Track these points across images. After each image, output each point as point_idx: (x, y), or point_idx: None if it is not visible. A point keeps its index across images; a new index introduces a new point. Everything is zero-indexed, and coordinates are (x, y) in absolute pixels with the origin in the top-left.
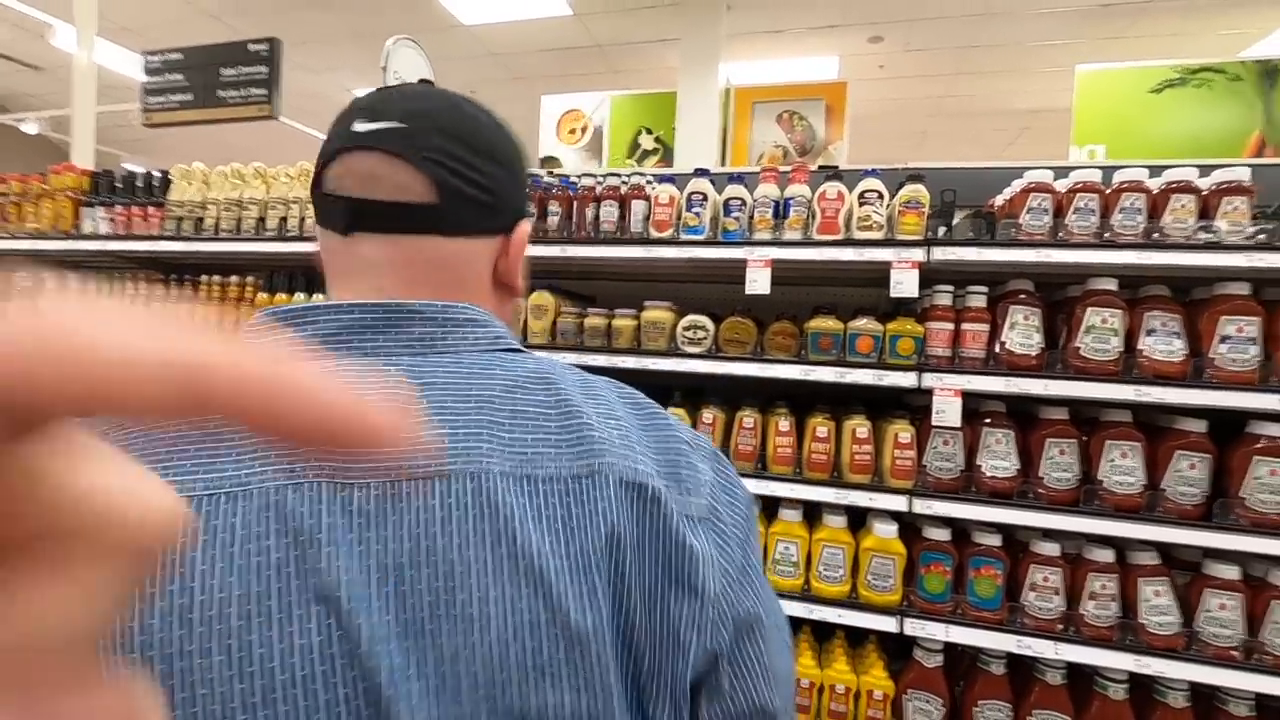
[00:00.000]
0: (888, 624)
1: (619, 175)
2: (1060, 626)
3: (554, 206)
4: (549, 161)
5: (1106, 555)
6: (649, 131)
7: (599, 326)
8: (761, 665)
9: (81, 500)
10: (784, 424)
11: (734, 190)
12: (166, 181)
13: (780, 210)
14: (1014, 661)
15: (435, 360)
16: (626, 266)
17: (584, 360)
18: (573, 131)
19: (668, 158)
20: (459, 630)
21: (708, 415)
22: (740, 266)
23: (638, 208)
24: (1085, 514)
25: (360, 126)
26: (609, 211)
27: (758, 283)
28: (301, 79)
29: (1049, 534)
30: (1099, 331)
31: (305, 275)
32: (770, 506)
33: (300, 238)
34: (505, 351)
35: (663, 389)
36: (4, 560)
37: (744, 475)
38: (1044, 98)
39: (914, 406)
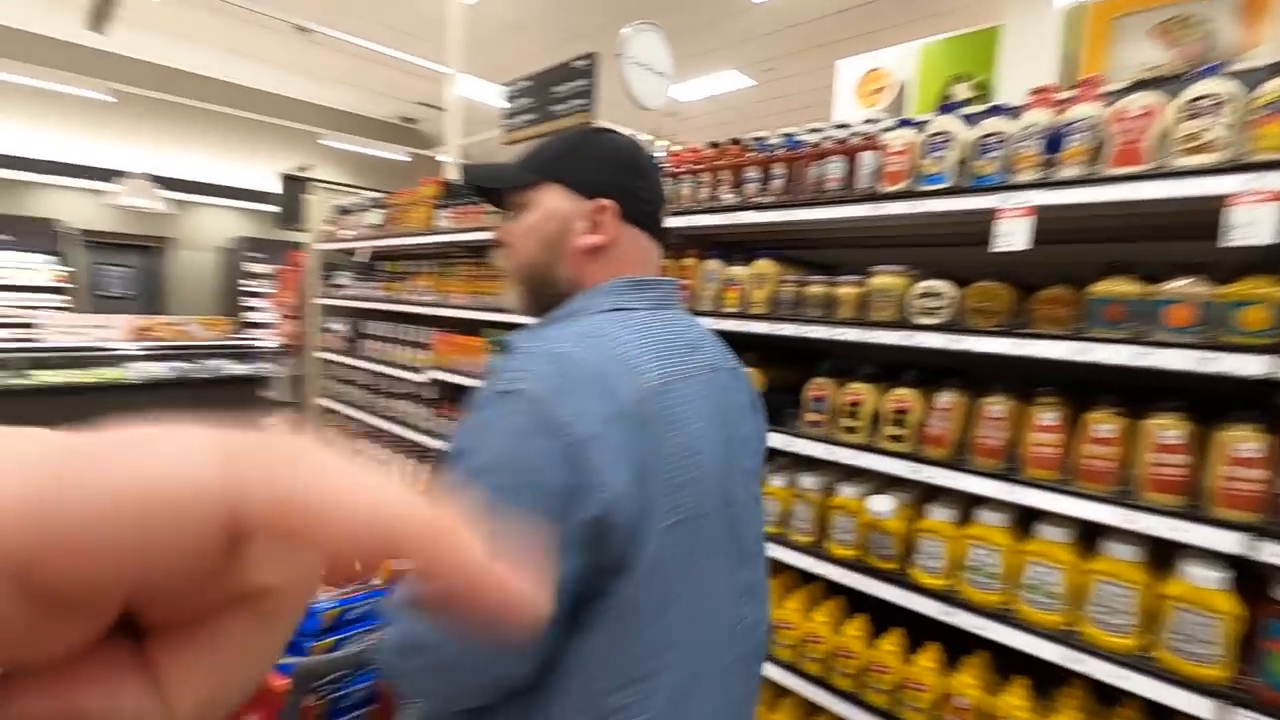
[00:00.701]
0: (1200, 707)
1: (847, 126)
2: None
3: (777, 169)
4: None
5: None
6: (964, 79)
7: (819, 295)
8: None
9: (249, 579)
10: (1048, 417)
11: (992, 124)
12: None
13: (1055, 143)
14: None
15: (683, 312)
16: (856, 229)
17: (802, 332)
18: (874, 93)
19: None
20: (740, 459)
21: (943, 399)
22: (992, 220)
23: (866, 160)
24: None
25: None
26: (834, 168)
27: (1012, 236)
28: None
29: None
30: None
31: None
32: (1024, 520)
33: None
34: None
35: (891, 367)
36: (202, 618)
37: (986, 476)
38: None
39: (1272, 408)
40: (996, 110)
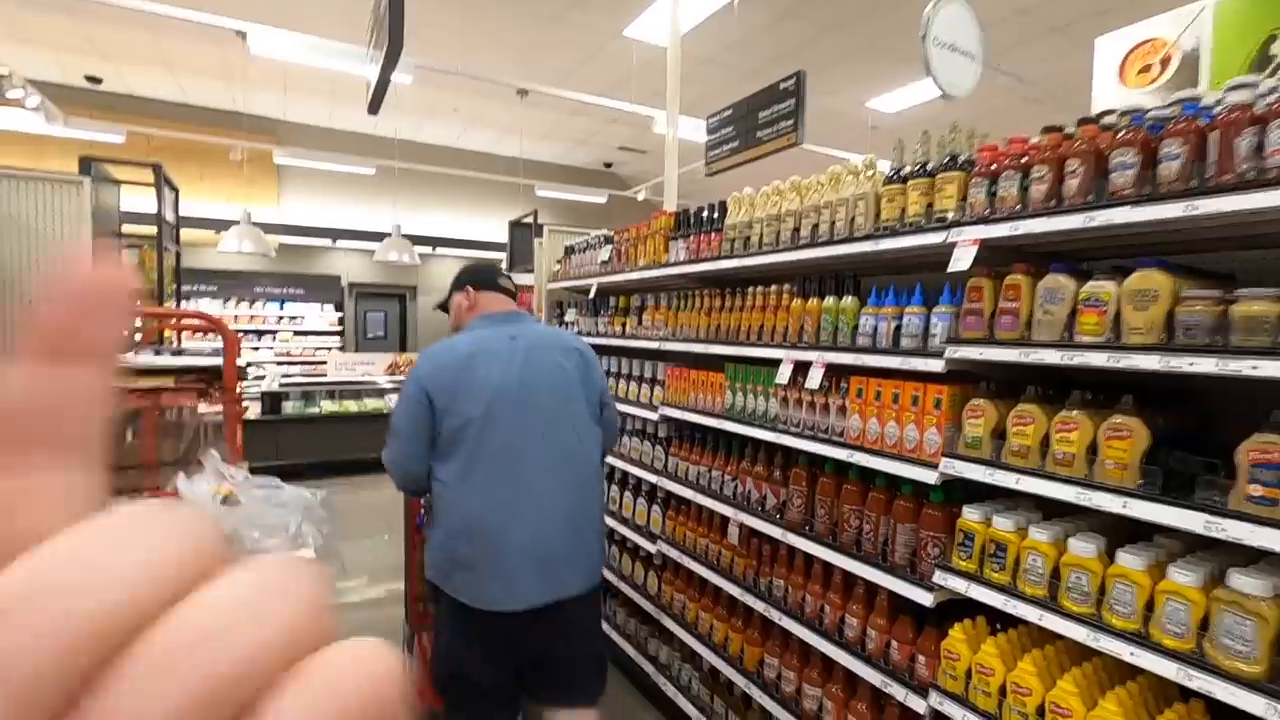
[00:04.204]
0: None
1: None
2: None
3: (1170, 148)
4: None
5: None
6: None
7: (1263, 316)
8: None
9: None
10: None
11: None
12: (725, 209)
13: None
14: None
15: (515, 324)
16: None
17: (1226, 368)
18: (1145, 70)
19: None
20: (542, 384)
21: None
22: None
23: None
24: None
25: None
26: None
27: None
28: (821, 102)
29: None
30: None
31: (834, 279)
32: None
33: (830, 241)
34: (530, 321)
35: None
36: None
37: None
38: None
39: None
40: None
